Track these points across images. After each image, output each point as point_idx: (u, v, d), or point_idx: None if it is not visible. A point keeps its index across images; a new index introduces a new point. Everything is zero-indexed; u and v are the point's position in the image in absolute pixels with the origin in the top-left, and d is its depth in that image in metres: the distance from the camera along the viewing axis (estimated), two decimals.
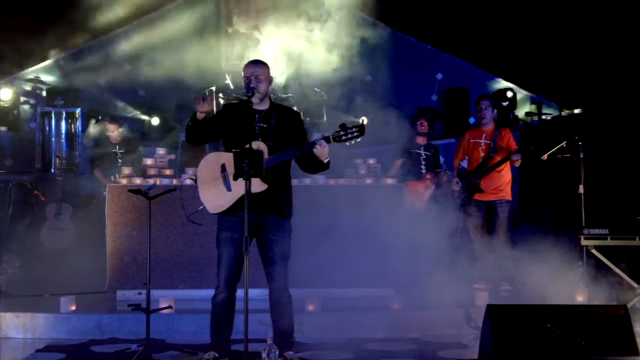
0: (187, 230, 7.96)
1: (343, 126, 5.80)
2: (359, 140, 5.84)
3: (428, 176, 9.71)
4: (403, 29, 14.35)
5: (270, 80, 6.07)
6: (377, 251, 8.14)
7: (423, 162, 9.99)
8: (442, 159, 10.46)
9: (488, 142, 8.87)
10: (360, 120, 5.72)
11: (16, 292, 8.42)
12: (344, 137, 5.80)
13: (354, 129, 5.78)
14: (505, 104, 13.19)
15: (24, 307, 7.61)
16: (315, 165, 5.99)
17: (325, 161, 5.92)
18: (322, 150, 5.81)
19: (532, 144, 8.57)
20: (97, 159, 10.78)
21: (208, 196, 6.01)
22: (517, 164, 8.72)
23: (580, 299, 7.98)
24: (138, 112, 14.31)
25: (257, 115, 5.95)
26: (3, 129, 12.80)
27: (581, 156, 8.51)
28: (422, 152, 10.06)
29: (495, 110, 9.01)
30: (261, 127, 5.95)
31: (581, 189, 8.52)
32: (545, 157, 8.59)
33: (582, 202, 8.44)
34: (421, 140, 10.19)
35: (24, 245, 10.10)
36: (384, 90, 14.03)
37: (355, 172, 8.80)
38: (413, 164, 10.04)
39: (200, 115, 5.90)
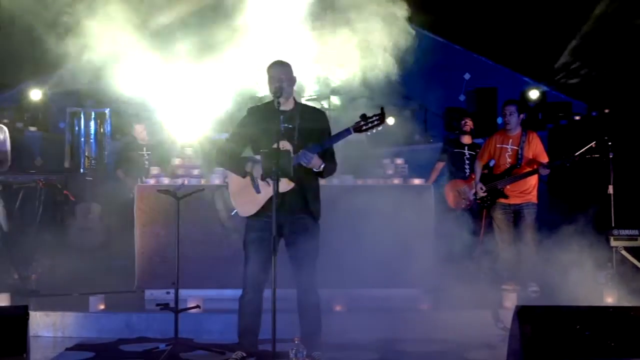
0: (215, 230, 7.98)
1: (363, 116, 5.81)
2: (380, 128, 5.85)
3: (474, 177, 9.65)
4: (431, 29, 14.32)
5: (294, 80, 6.08)
6: (405, 251, 8.11)
7: (467, 162, 9.93)
8: None
9: (515, 148, 8.77)
10: (380, 109, 5.74)
11: (46, 291, 8.49)
12: (364, 127, 5.81)
13: (374, 118, 5.80)
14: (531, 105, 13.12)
15: (54, 306, 7.68)
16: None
17: (320, 169, 5.94)
18: (310, 163, 5.82)
19: (565, 161, 8.49)
20: (121, 160, 10.85)
21: (240, 200, 6.05)
22: (545, 173, 8.66)
23: (610, 300, 7.92)
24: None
25: (282, 116, 5.96)
26: (33, 129, 12.91)
27: (610, 156, 8.43)
28: (465, 151, 10.00)
29: (521, 115, 8.89)
30: (286, 128, 5.95)
31: (610, 190, 8.46)
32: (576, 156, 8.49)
33: (612, 202, 8.38)
34: (466, 139, 10.13)
35: (53, 244, 10.18)
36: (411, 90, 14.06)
37: (383, 172, 8.78)
38: (456, 163, 9.99)
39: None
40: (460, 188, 9.61)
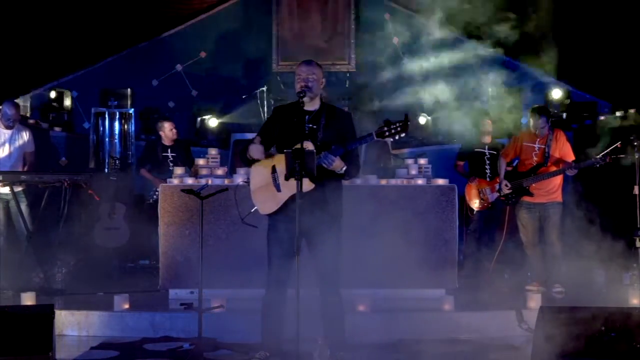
0: (239, 229, 7.98)
1: (387, 122, 5.82)
2: (403, 135, 5.85)
3: (499, 180, 9.61)
4: (455, 29, 14.25)
5: (322, 81, 6.09)
6: (428, 252, 8.12)
7: (487, 162, 9.86)
8: None
9: (542, 146, 8.72)
10: (404, 116, 5.77)
11: (71, 290, 8.56)
12: (387, 133, 5.81)
13: (397, 125, 5.80)
14: (556, 104, 13.01)
15: (79, 305, 7.74)
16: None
17: (342, 171, 5.93)
18: (331, 166, 5.82)
19: (595, 162, 8.40)
20: (144, 160, 10.89)
21: (260, 198, 6.05)
22: (573, 174, 8.59)
23: (635, 301, 7.87)
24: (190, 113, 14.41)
25: (307, 116, 5.97)
26: (58, 129, 12.99)
27: (636, 157, 8.37)
28: (486, 151, 9.92)
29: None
30: (310, 128, 5.96)
31: (636, 190, 8.39)
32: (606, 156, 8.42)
33: (638, 203, 8.31)
34: (486, 139, 10.06)
35: (78, 244, 10.24)
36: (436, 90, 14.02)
37: (407, 173, 8.76)
38: (477, 163, 9.92)
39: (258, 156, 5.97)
40: (482, 188, 9.56)
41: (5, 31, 11.60)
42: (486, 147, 9.96)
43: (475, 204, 9.60)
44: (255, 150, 6.02)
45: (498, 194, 9.16)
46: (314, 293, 6.09)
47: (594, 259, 8.36)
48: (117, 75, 14.08)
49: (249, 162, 6.18)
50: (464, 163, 10.18)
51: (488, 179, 9.71)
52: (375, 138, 5.85)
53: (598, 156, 8.40)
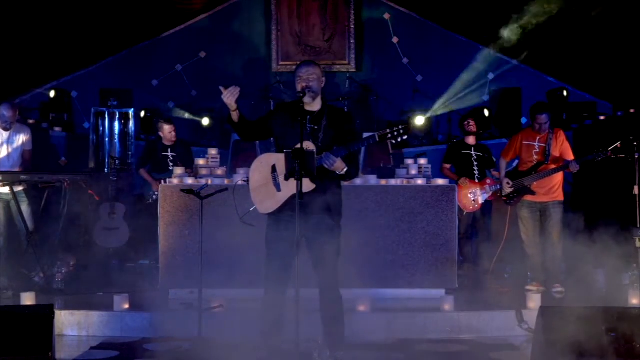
0: (239, 230, 7.93)
1: (390, 125, 5.84)
2: (405, 138, 5.87)
3: (488, 181, 9.60)
4: (454, 28, 14.27)
5: (322, 81, 6.07)
6: (428, 252, 8.13)
7: (475, 163, 9.86)
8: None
9: (543, 145, 8.71)
10: (407, 119, 5.79)
11: (71, 290, 8.57)
12: (389, 136, 5.82)
13: (400, 128, 5.81)
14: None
15: (79, 305, 7.74)
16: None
17: (342, 172, 5.92)
18: (333, 167, 5.81)
19: (596, 155, 8.41)
20: (145, 160, 10.88)
21: (259, 197, 6.04)
22: (575, 169, 8.57)
23: (635, 301, 7.87)
24: (189, 113, 14.39)
25: (308, 117, 5.96)
26: (58, 129, 12.99)
27: (636, 156, 8.37)
28: (472, 152, 9.93)
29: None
30: (312, 128, 5.96)
31: (636, 190, 8.40)
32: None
33: (637, 203, 8.32)
34: (471, 140, 10.06)
35: (78, 244, 10.24)
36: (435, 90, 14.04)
37: (407, 173, 8.76)
38: (464, 165, 9.91)
39: (234, 116, 5.93)
40: (472, 190, 9.57)
41: (5, 31, 11.60)
42: (472, 148, 9.97)
43: (465, 206, 9.61)
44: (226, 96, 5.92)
45: (497, 194, 9.17)
46: (314, 293, 6.08)
47: (594, 259, 8.35)
48: (117, 75, 14.06)
49: (239, 131, 6.14)
50: (450, 166, 10.17)
51: (477, 180, 9.73)
52: (378, 140, 5.85)
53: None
